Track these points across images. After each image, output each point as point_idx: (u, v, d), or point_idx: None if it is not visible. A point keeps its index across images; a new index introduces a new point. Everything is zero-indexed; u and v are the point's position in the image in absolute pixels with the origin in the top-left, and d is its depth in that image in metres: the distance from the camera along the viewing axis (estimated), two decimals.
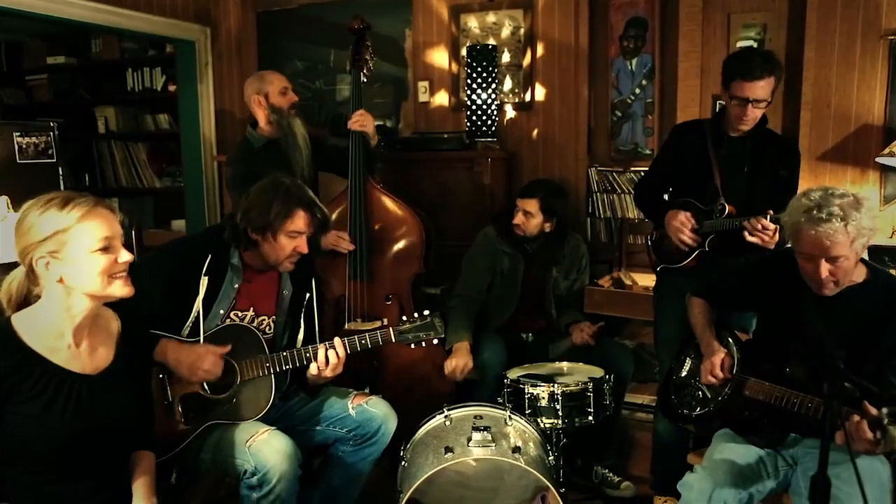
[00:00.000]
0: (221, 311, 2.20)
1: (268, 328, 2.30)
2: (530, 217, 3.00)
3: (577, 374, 2.77)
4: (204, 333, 2.13)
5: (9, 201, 2.56)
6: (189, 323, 2.14)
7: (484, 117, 3.69)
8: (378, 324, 2.99)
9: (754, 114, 2.47)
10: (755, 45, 3.36)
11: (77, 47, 5.29)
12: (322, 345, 2.19)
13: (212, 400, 2.11)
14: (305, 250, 2.23)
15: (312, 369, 2.18)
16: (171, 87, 4.86)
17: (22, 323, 1.57)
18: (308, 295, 2.37)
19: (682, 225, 2.53)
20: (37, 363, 1.55)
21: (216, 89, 4.64)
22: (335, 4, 4.34)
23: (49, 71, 5.43)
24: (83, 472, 1.60)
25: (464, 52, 3.85)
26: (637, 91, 3.65)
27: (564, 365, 2.86)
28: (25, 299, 1.61)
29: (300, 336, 2.33)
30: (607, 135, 3.75)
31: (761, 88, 2.41)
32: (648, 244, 2.85)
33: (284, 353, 2.17)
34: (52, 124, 3.08)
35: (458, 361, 2.81)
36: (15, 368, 1.52)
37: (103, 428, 1.61)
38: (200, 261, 2.17)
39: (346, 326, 2.97)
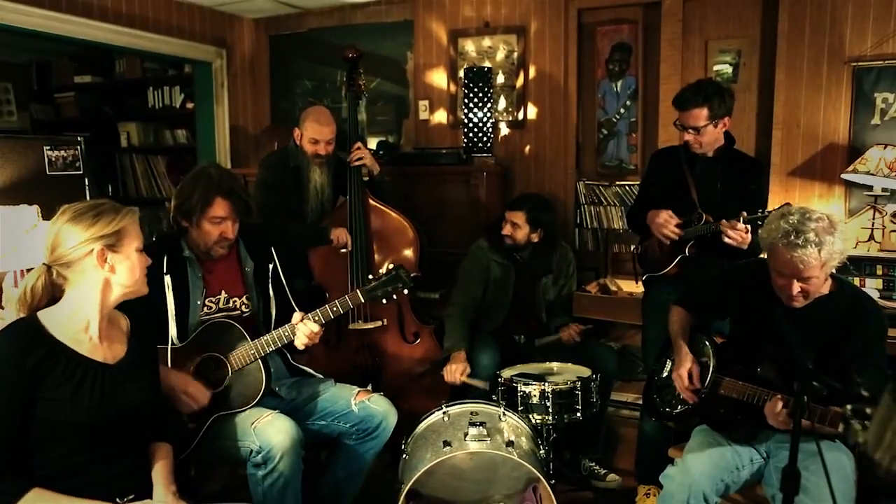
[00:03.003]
0: (199, 303, 2.18)
1: (244, 307, 2.27)
2: (517, 228, 3.01)
3: (566, 373, 2.78)
4: (190, 332, 2.13)
5: (39, 210, 2.56)
6: (172, 323, 2.12)
7: (480, 134, 3.71)
8: (378, 323, 3.01)
9: (697, 139, 2.54)
10: (731, 68, 3.40)
11: (102, 67, 5.31)
12: (299, 322, 2.13)
13: (211, 395, 2.10)
14: (231, 235, 2.18)
15: (298, 343, 2.15)
16: (189, 105, 4.87)
17: (49, 318, 1.60)
18: (272, 265, 2.32)
19: (667, 221, 2.56)
20: (63, 353, 1.57)
21: (231, 107, 4.66)
22: (341, 28, 4.37)
23: (76, 89, 5.44)
24: (109, 457, 1.61)
25: (461, 73, 3.88)
26: (622, 111, 3.68)
27: (555, 365, 2.87)
28: (48, 298, 1.64)
29: (273, 308, 2.29)
30: (594, 151, 3.78)
31: (692, 117, 2.51)
32: (634, 256, 2.88)
33: (265, 338, 2.13)
34: (79, 139, 3.08)
35: (456, 367, 2.81)
36: (44, 358, 1.54)
37: (126, 412, 1.63)
38: (159, 262, 2.12)
39: (350, 327, 2.98)
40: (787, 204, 2.02)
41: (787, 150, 3.30)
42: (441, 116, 4.15)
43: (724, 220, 2.39)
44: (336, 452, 2.36)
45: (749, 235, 2.35)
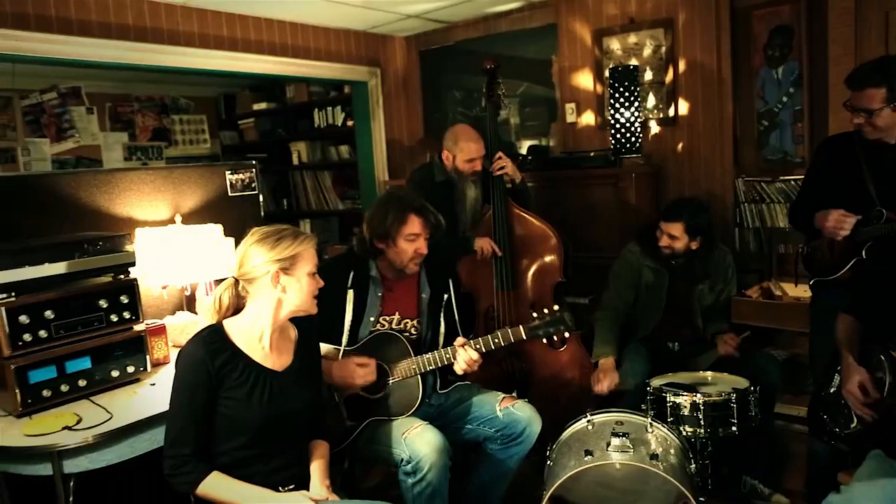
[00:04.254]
0: (371, 318, 2.34)
1: (413, 329, 2.40)
2: (676, 239, 2.86)
3: (720, 384, 2.62)
4: (359, 340, 2.29)
5: (223, 228, 2.91)
6: (346, 331, 2.30)
7: (628, 135, 3.60)
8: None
9: (869, 122, 2.23)
10: None
11: (275, 94, 5.87)
12: (461, 346, 2.22)
13: (370, 400, 2.25)
14: (425, 251, 2.30)
15: (458, 368, 2.24)
16: (350, 122, 5.22)
17: (232, 326, 1.83)
18: (446, 296, 2.44)
19: (841, 220, 2.28)
20: (241, 358, 1.79)
21: (386, 122, 4.94)
22: (487, 38, 4.46)
23: (255, 115, 6.07)
24: (274, 451, 1.80)
25: (607, 73, 3.79)
26: (784, 99, 3.38)
27: (709, 374, 2.71)
28: (234, 308, 1.87)
29: (441, 334, 2.41)
30: (754, 145, 3.51)
31: (866, 98, 2.19)
32: (800, 257, 2.62)
33: (427, 356, 2.25)
34: (254, 162, 3.44)
35: (604, 379, 2.76)
36: (227, 361, 1.76)
37: (289, 414, 1.81)
38: (345, 278, 2.32)
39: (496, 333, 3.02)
40: None
41: None
42: (588, 118, 4.08)
43: None
44: (481, 456, 2.42)
45: None
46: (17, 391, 2.04)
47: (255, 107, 5.99)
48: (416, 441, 2.12)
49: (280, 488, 1.77)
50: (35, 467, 1.91)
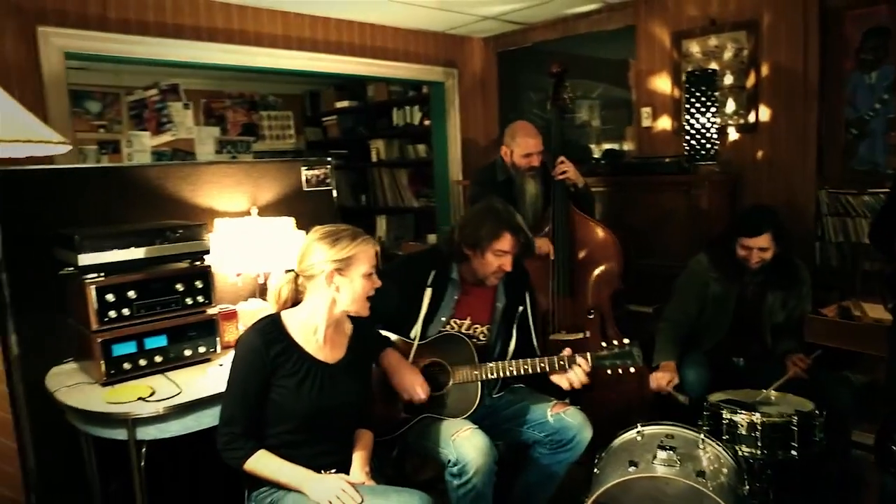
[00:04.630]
0: (443, 318, 2.38)
1: (482, 335, 2.43)
2: (766, 251, 2.72)
3: (783, 405, 2.50)
4: (428, 337, 2.34)
5: (295, 222, 3.04)
6: (417, 326, 2.35)
7: (703, 141, 3.49)
8: (581, 335, 3.00)
9: None
10: None
11: (357, 93, 6.05)
12: (577, 364, 2.20)
13: (429, 397, 2.28)
14: (509, 268, 2.30)
15: (561, 381, 2.23)
16: (427, 122, 5.32)
17: (289, 319, 1.92)
18: (521, 308, 2.45)
19: None
20: (296, 349, 1.88)
21: (462, 122, 4.99)
22: (564, 39, 4.43)
23: (338, 113, 6.29)
24: (320, 438, 1.88)
25: (684, 76, 3.68)
26: (877, 106, 3.17)
27: (773, 394, 2.59)
28: (295, 298, 1.96)
29: (511, 345, 2.42)
30: (840, 154, 3.31)
31: None
32: (884, 278, 2.47)
33: (491, 365, 2.27)
34: (329, 159, 3.58)
35: (663, 375, 2.70)
36: (282, 352, 1.86)
37: (337, 405, 1.89)
38: (426, 275, 2.37)
39: (551, 337, 3.02)
40: None
41: None
42: (664, 123, 3.98)
43: None
44: (529, 458, 2.42)
45: None
46: (101, 362, 2.23)
47: (338, 105, 6.19)
48: (465, 444, 2.14)
49: (322, 471, 1.85)
50: (113, 431, 2.08)
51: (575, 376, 2.20)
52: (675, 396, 2.64)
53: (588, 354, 2.21)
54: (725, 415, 2.41)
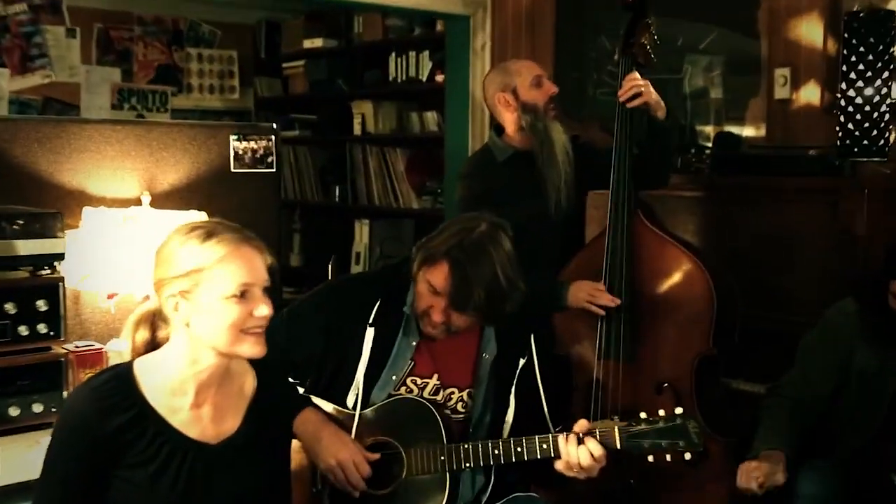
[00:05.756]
0: (394, 377, 2.38)
1: (459, 405, 2.43)
2: None
3: None
4: (372, 405, 2.34)
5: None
6: (353, 391, 2.36)
7: (868, 125, 3.47)
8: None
9: None
10: None
11: (337, 27, 6.16)
12: (582, 434, 2.20)
13: (369, 496, 2.27)
14: (436, 318, 2.28)
15: (562, 467, 2.23)
16: (439, 77, 5.39)
17: (144, 371, 1.90)
18: (523, 361, 2.45)
19: None
20: (151, 422, 1.85)
21: None
22: None
23: (307, 56, 6.39)
24: None
25: (844, 20, 3.67)
26: None
27: None
28: (153, 341, 1.95)
29: (508, 419, 2.42)
30: None
31: None
32: None
33: (466, 446, 2.26)
34: (272, 126, 3.68)
35: (758, 466, 2.67)
36: (130, 424, 1.83)
37: None
38: (366, 306, 2.38)
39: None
40: None
41: None
42: (809, 94, 3.97)
43: None
44: None
45: None
46: None
47: (308, 44, 6.30)
48: None
49: None
50: None
51: (574, 454, 2.16)
52: None
53: (616, 428, 2.20)
54: None
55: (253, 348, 1.86)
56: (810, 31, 3.94)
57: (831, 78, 3.85)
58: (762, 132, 4.13)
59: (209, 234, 1.85)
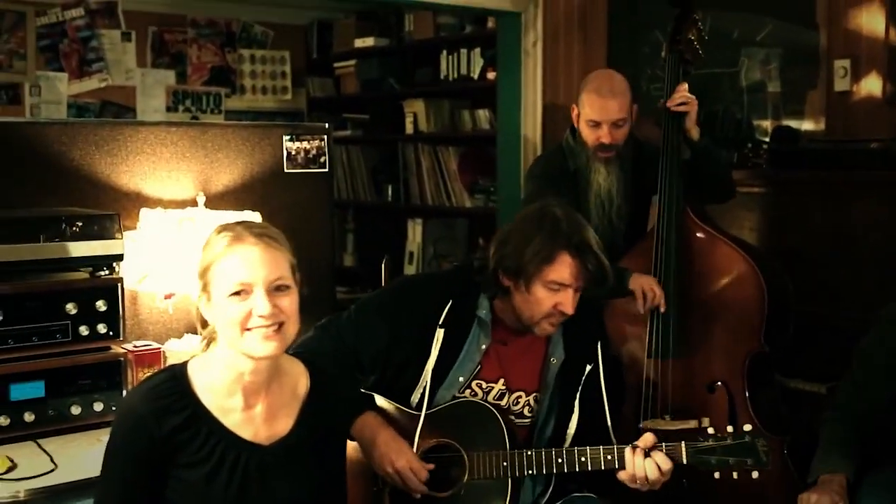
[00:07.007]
0: (461, 379, 2.39)
1: (526, 409, 2.44)
2: None
3: None
4: (436, 406, 2.35)
5: (261, 218, 3.13)
6: (419, 390, 2.37)
7: None
8: (692, 423, 2.96)
9: None
10: None
11: (388, 26, 6.19)
12: (648, 448, 2.20)
13: (430, 498, 2.29)
14: (570, 310, 2.27)
15: (626, 477, 2.23)
16: (491, 75, 5.38)
17: (197, 371, 1.92)
18: (589, 367, 2.44)
19: None
20: (205, 423, 1.87)
21: (547, 77, 5.01)
22: None
23: (358, 55, 6.42)
24: None
25: None
26: None
27: None
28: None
29: (571, 426, 2.41)
30: None
31: None
32: None
33: (529, 453, 2.27)
34: (325, 126, 3.70)
35: (823, 496, 2.62)
36: (185, 424, 1.85)
37: None
38: (437, 308, 2.38)
39: (642, 424, 3.00)
40: None
41: None
42: (871, 85, 3.91)
43: None
44: None
45: None
46: None
47: (359, 43, 6.35)
48: None
49: None
50: None
51: (641, 467, 2.16)
52: None
53: (682, 444, 2.19)
54: None
55: (262, 345, 1.82)
56: (871, 20, 3.88)
57: (894, 68, 3.80)
58: (821, 126, 4.07)
59: (223, 227, 1.90)
